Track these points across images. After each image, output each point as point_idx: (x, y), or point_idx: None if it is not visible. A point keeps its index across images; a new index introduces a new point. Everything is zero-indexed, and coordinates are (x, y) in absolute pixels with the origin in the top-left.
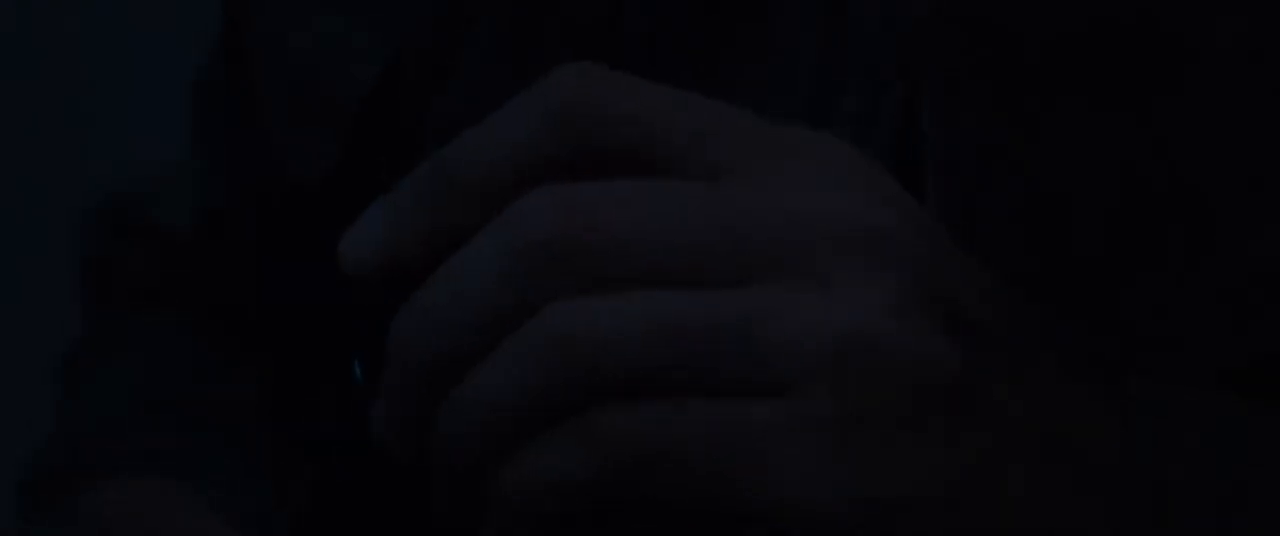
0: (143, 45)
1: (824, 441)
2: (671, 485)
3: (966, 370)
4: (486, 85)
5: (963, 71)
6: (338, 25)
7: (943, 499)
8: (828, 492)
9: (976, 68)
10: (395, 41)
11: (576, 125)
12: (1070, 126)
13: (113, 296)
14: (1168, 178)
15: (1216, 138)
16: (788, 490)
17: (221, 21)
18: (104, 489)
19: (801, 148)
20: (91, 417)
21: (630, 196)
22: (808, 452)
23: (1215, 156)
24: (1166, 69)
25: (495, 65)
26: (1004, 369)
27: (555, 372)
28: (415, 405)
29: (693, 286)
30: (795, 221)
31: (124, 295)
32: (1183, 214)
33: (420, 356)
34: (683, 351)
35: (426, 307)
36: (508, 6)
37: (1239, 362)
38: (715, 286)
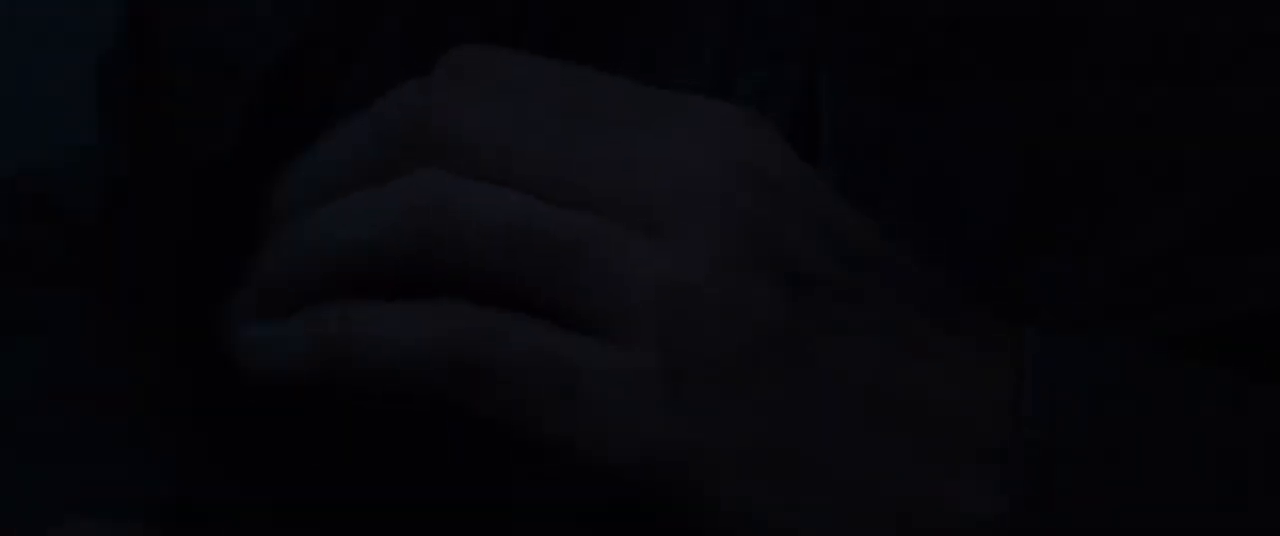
0: (48, 25)
1: (647, 394)
2: (498, 399)
3: (795, 325)
4: (393, 66)
5: (861, 54)
6: (244, 5)
7: (762, 455)
8: (647, 445)
9: (875, 50)
10: (303, 22)
11: (440, 119)
12: (969, 109)
13: (16, 278)
14: (1068, 160)
15: (1106, 119)
16: (606, 437)
17: (129, 1)
18: None
19: (677, 109)
20: None
21: (514, 83)
22: (631, 404)
23: (1107, 138)
24: (1059, 50)
25: (401, 47)
26: (844, 326)
27: (406, 234)
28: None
29: (539, 195)
30: (641, 167)
31: (28, 277)
32: (1082, 197)
33: (291, 199)
34: (523, 258)
35: (304, 163)
36: None
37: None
38: (562, 204)
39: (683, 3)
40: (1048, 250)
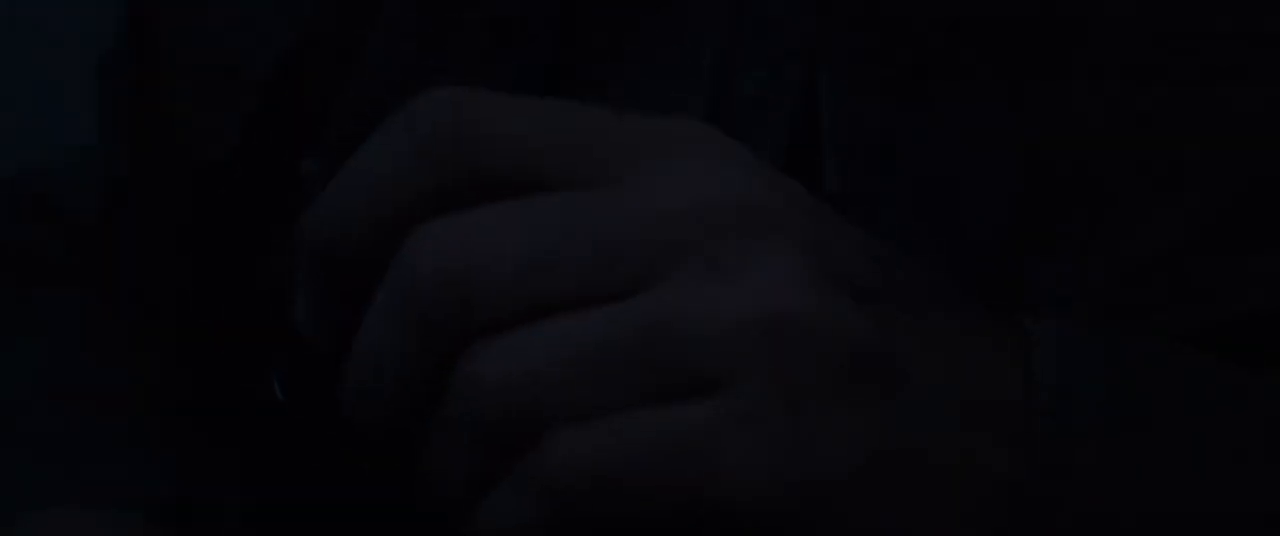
0: (48, 25)
1: (766, 429)
2: (626, 502)
3: (876, 334)
4: (394, 67)
5: (861, 54)
6: (244, 5)
7: (885, 468)
8: (779, 480)
9: (875, 50)
10: (302, 23)
11: (447, 151)
12: (969, 109)
13: (16, 278)
14: (1068, 160)
15: (1106, 120)
16: (741, 485)
17: (129, 1)
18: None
19: (676, 141)
20: None
21: (507, 222)
22: (754, 444)
23: (1107, 138)
24: (1059, 50)
25: (403, 47)
26: (910, 334)
27: (492, 434)
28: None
29: (591, 302)
30: (678, 215)
31: (28, 277)
32: (1082, 197)
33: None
34: (606, 373)
35: (348, 394)
36: None
37: None
38: (615, 297)
39: (683, 3)
40: (1048, 250)
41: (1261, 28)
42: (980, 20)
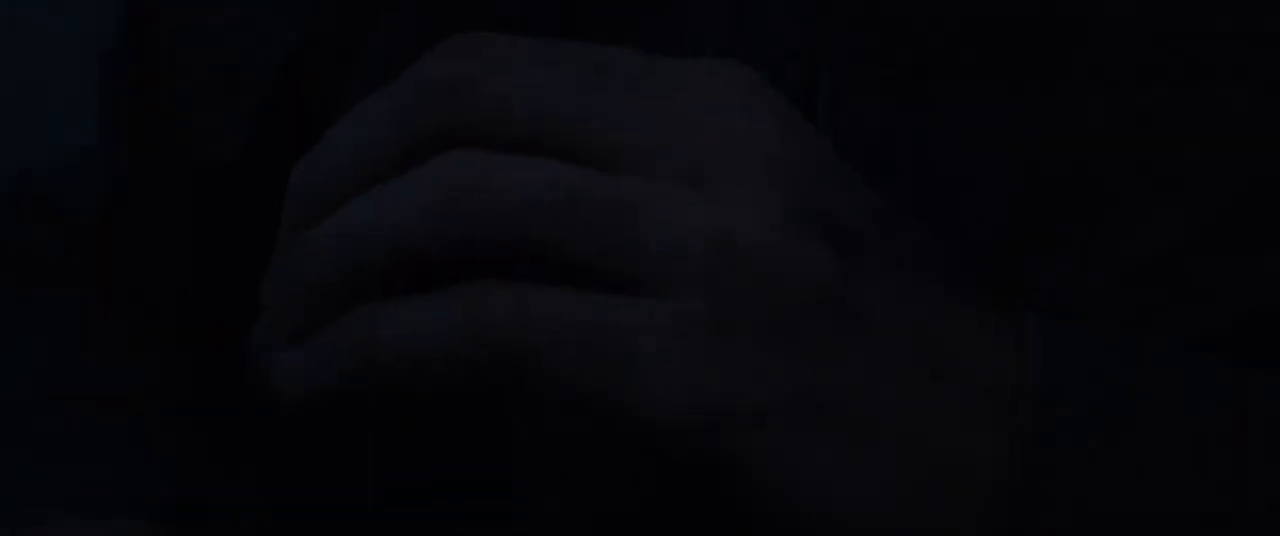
0: (50, 24)
1: (692, 345)
2: (539, 374)
3: (844, 280)
4: (394, 67)
5: (861, 54)
6: (247, 7)
7: (810, 407)
8: (690, 399)
9: (875, 50)
10: (302, 23)
11: (464, 94)
12: (969, 109)
13: (16, 278)
14: (1068, 160)
15: (1106, 120)
16: (648, 395)
17: (129, 1)
18: None
19: (694, 73)
20: None
21: (527, 56)
22: (675, 356)
23: (1107, 138)
24: (1059, 51)
25: (403, 47)
26: (887, 284)
27: (444, 218)
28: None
29: (573, 157)
30: (680, 124)
31: (28, 277)
32: (1082, 197)
33: (310, 193)
34: (571, 225)
35: (321, 153)
36: None
37: None
38: (595, 164)
39: (683, 3)
40: (1048, 250)
41: (1261, 28)
42: (980, 20)
